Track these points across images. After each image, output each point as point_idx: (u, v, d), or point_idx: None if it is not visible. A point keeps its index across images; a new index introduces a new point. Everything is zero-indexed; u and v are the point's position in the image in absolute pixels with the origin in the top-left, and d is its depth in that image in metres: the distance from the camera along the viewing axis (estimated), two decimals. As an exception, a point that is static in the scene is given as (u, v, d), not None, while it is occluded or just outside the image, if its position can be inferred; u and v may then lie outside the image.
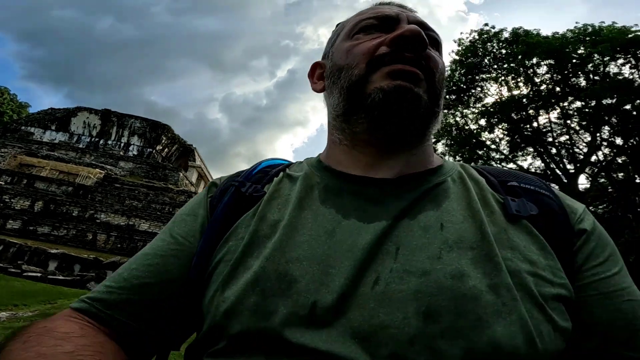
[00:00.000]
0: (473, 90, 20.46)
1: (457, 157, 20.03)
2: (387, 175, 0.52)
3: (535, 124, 19.01)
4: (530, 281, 0.41)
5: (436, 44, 0.58)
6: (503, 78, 19.94)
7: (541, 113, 18.94)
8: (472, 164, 0.62)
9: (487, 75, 20.19)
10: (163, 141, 26.21)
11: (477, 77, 20.30)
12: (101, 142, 24.94)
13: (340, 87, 0.55)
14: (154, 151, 25.50)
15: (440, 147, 20.03)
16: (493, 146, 20.00)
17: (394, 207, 0.47)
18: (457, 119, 20.76)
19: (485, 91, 20.35)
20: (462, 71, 20.36)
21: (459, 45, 20.54)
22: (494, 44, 19.90)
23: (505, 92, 19.86)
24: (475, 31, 20.30)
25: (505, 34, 19.58)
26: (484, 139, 19.89)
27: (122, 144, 25.24)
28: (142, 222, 16.16)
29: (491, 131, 19.74)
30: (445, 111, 20.54)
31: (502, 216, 0.47)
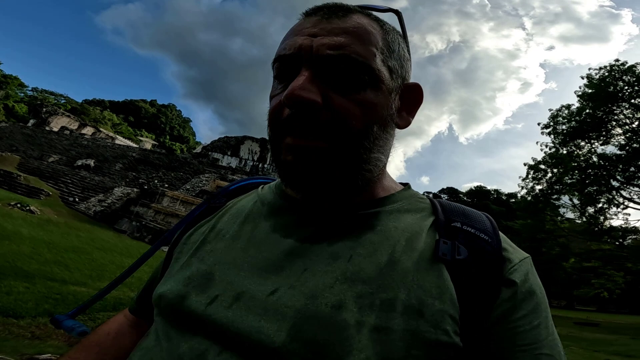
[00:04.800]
0: (609, 124, 20.33)
1: (577, 195, 20.36)
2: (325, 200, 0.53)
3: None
4: (407, 323, 0.41)
5: (354, 64, 0.48)
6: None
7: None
8: (444, 198, 0.78)
9: (628, 104, 19.90)
10: (304, 164, 32.60)
11: (614, 108, 20.13)
12: (260, 165, 32.43)
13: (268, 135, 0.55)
14: (297, 172, 32.04)
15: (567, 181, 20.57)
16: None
17: (315, 230, 0.51)
18: (585, 152, 20.78)
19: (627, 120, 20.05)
20: (590, 105, 20.42)
21: (588, 81, 20.76)
22: (627, 78, 19.56)
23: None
24: (605, 67, 20.37)
25: None
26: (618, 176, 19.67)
27: (274, 167, 32.37)
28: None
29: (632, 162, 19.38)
30: (569, 148, 20.98)
31: (423, 257, 0.47)
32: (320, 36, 0.50)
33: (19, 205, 17.00)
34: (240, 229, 0.56)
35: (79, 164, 26.56)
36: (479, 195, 55.41)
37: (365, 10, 0.55)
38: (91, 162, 26.84)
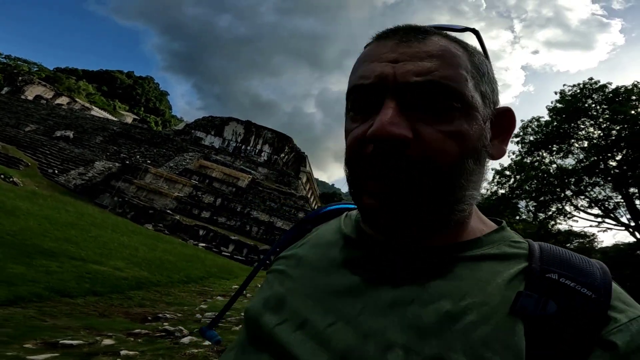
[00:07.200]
0: (571, 139, 22.03)
1: (530, 200, 22.28)
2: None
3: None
4: None
5: (444, 90, 0.44)
6: (606, 125, 21.19)
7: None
8: (543, 243, 0.50)
9: (591, 122, 21.52)
10: (286, 150, 33.19)
11: (579, 123, 21.69)
12: (242, 147, 32.82)
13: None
14: (278, 158, 32.62)
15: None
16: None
17: (382, 271, 0.49)
18: (544, 166, 22.64)
19: (587, 134, 21.86)
20: (558, 118, 22.12)
21: (560, 97, 22.30)
22: (597, 97, 21.20)
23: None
24: (577, 85, 22.03)
25: (611, 87, 20.96)
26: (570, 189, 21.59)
27: (257, 150, 32.83)
28: (278, 220, 22.71)
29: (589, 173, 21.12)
30: (533, 158, 22.79)
31: (496, 310, 0.41)
32: (402, 62, 0.45)
33: (2, 176, 16.84)
34: (318, 258, 0.56)
35: (58, 134, 25.94)
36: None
37: (441, 31, 0.50)
38: (70, 134, 26.28)
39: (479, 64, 0.50)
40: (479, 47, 0.53)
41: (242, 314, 0.60)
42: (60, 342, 3.12)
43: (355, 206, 0.65)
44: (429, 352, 0.40)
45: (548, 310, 0.41)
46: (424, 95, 0.44)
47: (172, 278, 8.34)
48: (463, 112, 0.45)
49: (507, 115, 0.53)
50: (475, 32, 0.53)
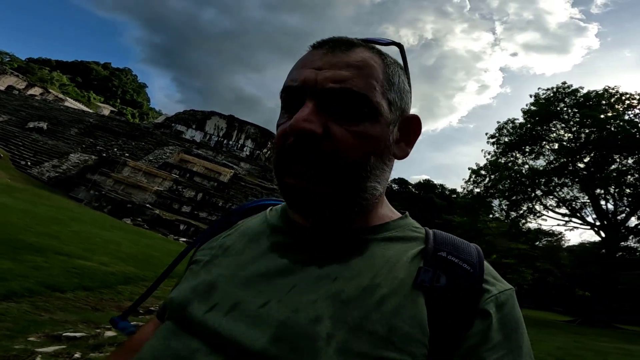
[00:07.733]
0: (543, 141, 22.89)
1: (503, 199, 23.30)
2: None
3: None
4: (374, 343, 0.44)
5: (354, 97, 0.51)
6: (576, 128, 22.06)
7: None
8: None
9: (562, 125, 22.42)
10: (268, 145, 33.09)
11: (551, 126, 22.54)
12: (225, 141, 32.51)
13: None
14: (261, 153, 32.52)
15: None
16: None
17: (308, 254, 0.54)
18: (517, 166, 23.44)
19: (558, 136, 22.76)
20: (532, 120, 22.84)
21: (535, 100, 23.07)
22: (569, 101, 22.03)
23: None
24: (551, 88, 22.93)
25: (584, 91, 21.78)
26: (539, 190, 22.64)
27: (239, 145, 32.59)
28: (260, 216, 22.74)
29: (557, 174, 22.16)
30: (507, 158, 23.62)
31: (402, 283, 0.49)
32: (324, 69, 0.52)
33: (-29, 166, 16.14)
34: (246, 246, 0.60)
35: (31, 126, 24.93)
36: (426, 188, 59.11)
37: (368, 43, 0.57)
38: (44, 125, 25.30)
39: (391, 75, 0.56)
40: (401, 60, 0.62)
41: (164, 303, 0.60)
42: (64, 334, 3.20)
43: (279, 202, 0.75)
44: (351, 321, 0.46)
45: (441, 282, 0.49)
46: (337, 100, 0.51)
47: (158, 273, 8.30)
48: (369, 116, 0.53)
49: (414, 121, 0.61)
50: (399, 46, 0.61)
